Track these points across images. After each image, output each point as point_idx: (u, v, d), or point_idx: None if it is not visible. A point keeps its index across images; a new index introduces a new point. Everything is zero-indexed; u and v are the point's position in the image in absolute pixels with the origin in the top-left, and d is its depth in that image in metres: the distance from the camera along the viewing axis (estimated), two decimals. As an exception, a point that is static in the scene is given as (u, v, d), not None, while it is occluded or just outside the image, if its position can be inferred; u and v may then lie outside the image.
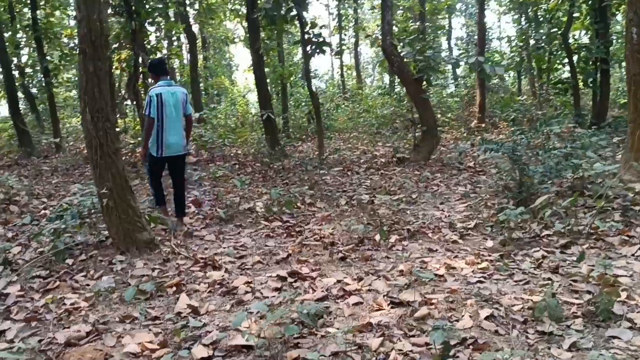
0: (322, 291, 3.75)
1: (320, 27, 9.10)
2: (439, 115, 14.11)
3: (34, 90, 17.00)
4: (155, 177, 5.67)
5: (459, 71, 25.24)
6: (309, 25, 9.00)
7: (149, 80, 10.49)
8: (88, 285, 4.06)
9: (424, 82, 9.28)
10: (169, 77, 5.54)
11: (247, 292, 3.80)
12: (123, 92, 11.49)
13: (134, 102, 11.00)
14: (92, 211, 4.79)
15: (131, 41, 10.11)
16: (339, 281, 3.95)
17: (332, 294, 3.69)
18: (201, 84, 21.17)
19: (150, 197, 6.71)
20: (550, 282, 3.57)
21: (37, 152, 12.82)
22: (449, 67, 22.08)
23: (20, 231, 5.74)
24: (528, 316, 3.06)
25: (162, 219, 5.26)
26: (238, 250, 4.80)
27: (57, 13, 16.01)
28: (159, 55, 12.18)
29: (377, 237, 4.82)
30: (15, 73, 17.01)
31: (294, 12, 8.81)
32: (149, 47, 12.20)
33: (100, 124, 4.38)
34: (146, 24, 10.58)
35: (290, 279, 4.02)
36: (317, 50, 9.02)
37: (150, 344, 2.98)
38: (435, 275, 3.86)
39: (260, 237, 5.26)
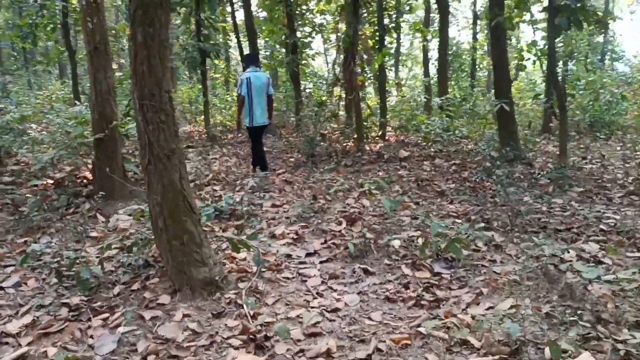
0: None
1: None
2: None
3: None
4: (253, 143, 7.53)
5: None
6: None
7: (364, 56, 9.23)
8: (92, 337, 2.97)
9: None
10: (258, 66, 7.39)
11: None
12: (336, 71, 10.38)
13: (348, 85, 9.78)
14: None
15: (351, 14, 8.88)
16: None
17: None
18: (461, 63, 19.22)
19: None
20: None
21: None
22: None
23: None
24: None
25: (252, 246, 3.89)
26: (325, 318, 3.16)
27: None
28: (394, 35, 10.83)
29: (547, 353, 2.62)
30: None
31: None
32: (389, 23, 10.93)
33: (149, 115, 3.19)
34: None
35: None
36: (571, 22, 6.44)
37: None
38: None
39: (378, 297, 3.49)
